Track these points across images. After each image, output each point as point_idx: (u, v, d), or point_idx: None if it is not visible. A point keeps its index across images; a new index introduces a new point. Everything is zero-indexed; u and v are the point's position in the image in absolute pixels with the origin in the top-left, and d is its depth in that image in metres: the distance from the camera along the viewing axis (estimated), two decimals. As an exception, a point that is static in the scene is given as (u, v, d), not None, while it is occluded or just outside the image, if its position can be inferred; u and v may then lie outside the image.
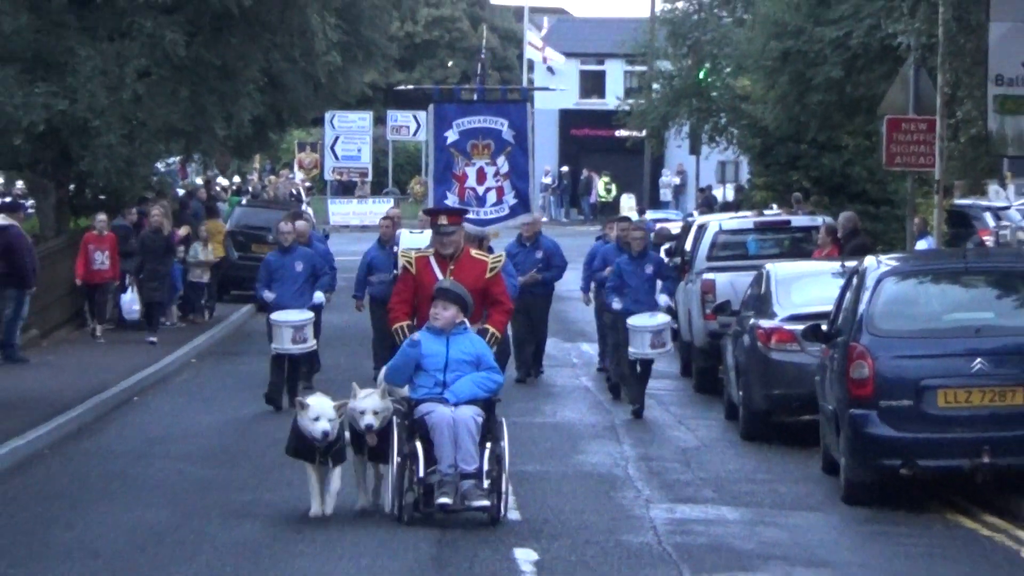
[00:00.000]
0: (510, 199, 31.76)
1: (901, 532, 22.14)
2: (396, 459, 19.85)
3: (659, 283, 31.48)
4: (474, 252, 22.10)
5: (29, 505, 23.00)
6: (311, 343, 31.23)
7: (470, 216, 29.52)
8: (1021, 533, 22.01)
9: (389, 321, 21.79)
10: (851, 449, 23.83)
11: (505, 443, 20.39)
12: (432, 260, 21.23)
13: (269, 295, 30.91)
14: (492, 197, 31.59)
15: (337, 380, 30.61)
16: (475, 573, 17.89)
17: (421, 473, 19.58)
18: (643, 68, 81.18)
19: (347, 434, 20.93)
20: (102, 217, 42.62)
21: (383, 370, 21.49)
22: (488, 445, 20.03)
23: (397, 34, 69.88)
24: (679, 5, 74.27)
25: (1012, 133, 31.30)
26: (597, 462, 26.95)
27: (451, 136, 32.03)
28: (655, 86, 75.48)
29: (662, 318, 30.89)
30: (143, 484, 24.73)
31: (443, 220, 21.49)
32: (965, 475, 23.52)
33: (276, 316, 30.65)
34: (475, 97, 37.40)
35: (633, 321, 30.31)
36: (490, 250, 26.05)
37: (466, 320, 20.46)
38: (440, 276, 20.84)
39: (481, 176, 31.80)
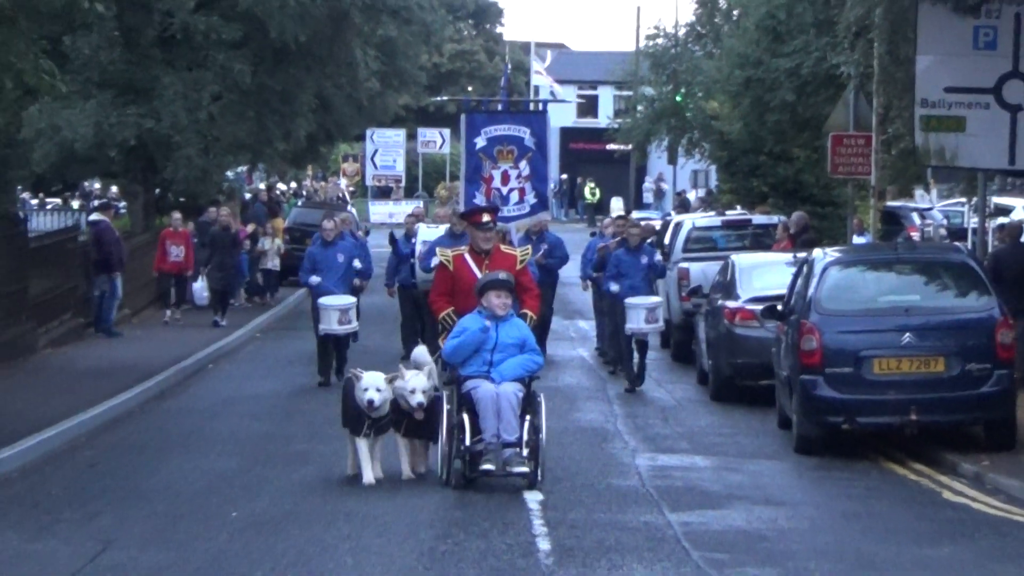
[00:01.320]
0: (531, 199, 31.55)
1: (843, 477, 22.16)
2: (444, 429, 19.28)
3: (653, 273, 31.07)
4: (503, 247, 21.48)
5: (122, 454, 23.03)
6: (355, 324, 30.57)
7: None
8: (942, 478, 22.05)
9: (434, 312, 20.99)
10: (801, 408, 23.88)
11: (543, 416, 19.60)
12: (467, 257, 20.40)
13: (315, 279, 30.35)
14: (515, 197, 31.30)
15: (370, 357, 30.36)
16: (491, 508, 17.92)
17: (467, 442, 18.92)
18: (629, 93, 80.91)
19: None
20: (177, 215, 42.52)
21: (421, 349, 20.81)
22: (527, 418, 19.25)
23: (426, 65, 69.76)
24: (659, 41, 74.29)
25: (934, 147, 31.27)
26: (591, 419, 26.95)
27: (480, 142, 31.79)
28: (639, 108, 75.41)
29: (655, 298, 30.53)
30: (215, 437, 24.75)
31: (486, 218, 20.75)
32: (896, 430, 23.62)
33: (323, 301, 29.97)
34: (500, 108, 37.20)
35: (630, 300, 29.82)
36: (512, 244, 25.62)
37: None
38: (476, 270, 20.02)
39: (505, 178, 31.56)
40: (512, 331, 19.44)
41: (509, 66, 60.01)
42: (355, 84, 55.42)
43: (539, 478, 19.09)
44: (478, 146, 31.97)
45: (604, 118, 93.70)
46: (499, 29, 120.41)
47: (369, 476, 19.45)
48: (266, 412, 26.99)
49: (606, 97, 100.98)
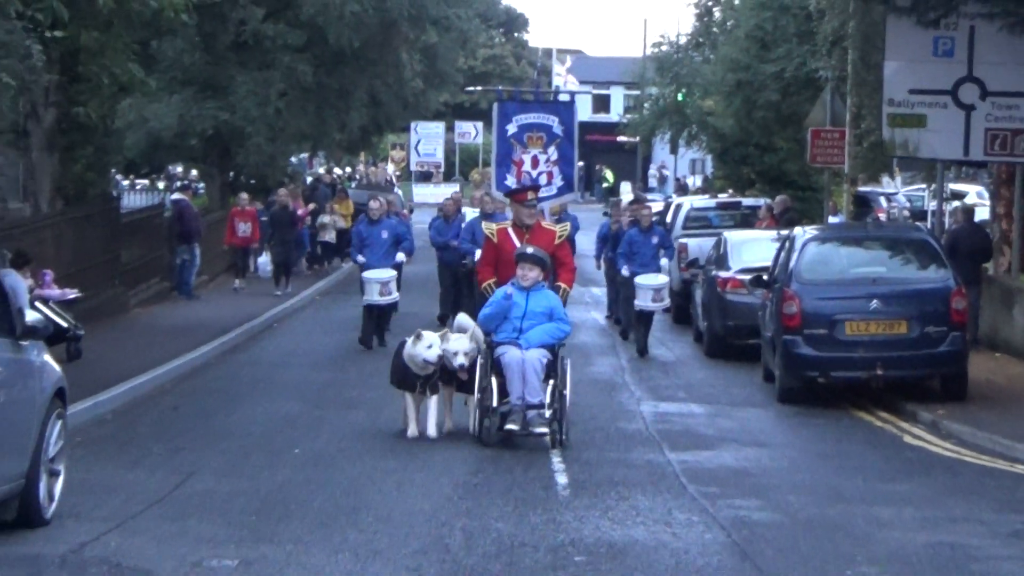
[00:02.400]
0: (558, 181, 31.20)
1: (818, 423, 22.15)
2: (477, 391, 18.39)
3: (662, 251, 30.27)
4: (544, 223, 20.47)
5: (200, 399, 23.07)
6: (395, 295, 29.68)
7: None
8: (903, 424, 22.04)
9: (478, 281, 20.28)
10: (783, 364, 23.88)
11: (568, 381, 18.55)
12: (511, 231, 19.38)
13: (361, 259, 29.62)
14: (544, 179, 30.88)
15: (412, 320, 29.62)
16: (517, 449, 17.91)
17: (495, 403, 18.02)
18: (637, 92, 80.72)
19: None
20: (244, 196, 42.43)
21: (463, 315, 20.21)
22: (551, 382, 18.12)
23: (462, 67, 69.69)
24: (664, 47, 74.21)
25: (899, 140, 31.22)
26: (603, 372, 26.96)
27: (511, 129, 31.42)
28: (646, 105, 75.34)
29: (663, 279, 29.66)
30: (280, 384, 24.78)
31: (530, 196, 19.87)
32: (864, 383, 23.60)
33: (367, 274, 29.19)
34: (532, 98, 36.81)
35: (640, 280, 28.98)
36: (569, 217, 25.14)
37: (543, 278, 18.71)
38: (518, 243, 18.99)
39: (535, 162, 31.20)
40: (541, 301, 18.49)
41: (538, 68, 60.14)
42: (401, 83, 55.29)
43: (562, 438, 18.22)
44: (509, 132, 31.63)
45: (615, 114, 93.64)
46: (525, 36, 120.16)
47: (413, 430, 18.71)
48: (323, 364, 27.01)
49: (617, 96, 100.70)
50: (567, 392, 18.42)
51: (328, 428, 20.00)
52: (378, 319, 29.23)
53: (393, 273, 29.56)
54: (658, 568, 12.40)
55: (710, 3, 69.65)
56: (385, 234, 29.66)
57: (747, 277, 27.92)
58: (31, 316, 13.97)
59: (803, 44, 50.23)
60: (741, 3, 60.80)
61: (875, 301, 23.54)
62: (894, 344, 23.35)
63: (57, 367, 14.18)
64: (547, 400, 17.97)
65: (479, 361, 18.53)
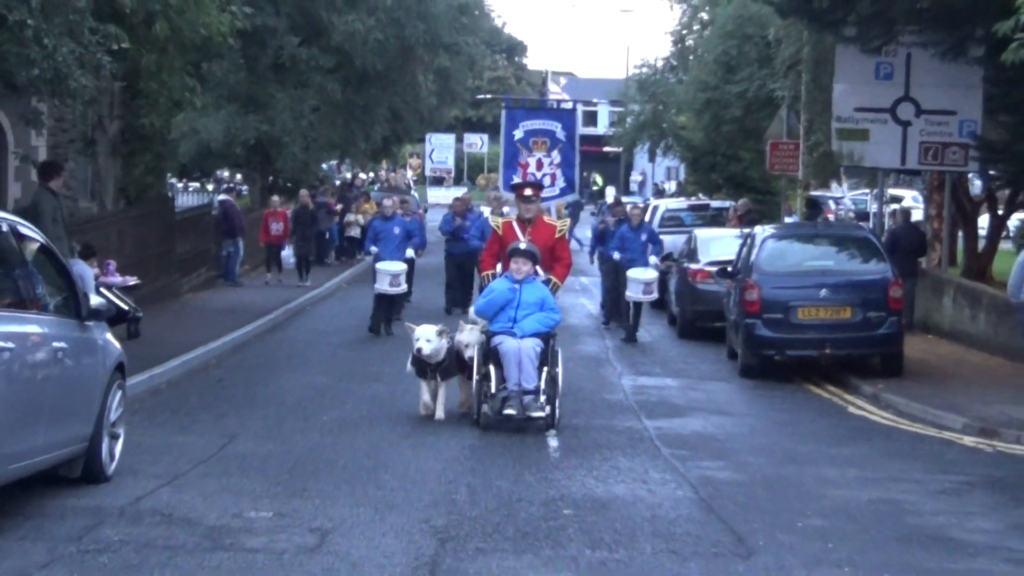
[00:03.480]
0: (560, 183, 30.84)
1: (775, 395, 22.14)
2: (476, 378, 17.42)
3: (650, 246, 29.66)
4: (546, 218, 19.24)
5: (242, 372, 23.04)
6: (403, 287, 29.07)
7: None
8: (848, 396, 22.05)
9: (480, 269, 19.29)
10: (744, 344, 23.90)
11: (560, 368, 17.55)
12: (515, 224, 18.42)
13: (374, 249, 28.93)
14: (547, 181, 30.55)
15: (423, 309, 30.10)
16: (510, 428, 17.80)
17: (493, 389, 16.99)
18: (621, 109, 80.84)
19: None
20: (275, 198, 42.48)
21: (472, 308, 19.07)
22: (545, 369, 17.11)
23: (470, 86, 69.73)
24: (644, 70, 74.33)
25: (846, 151, 31.28)
26: (590, 350, 26.93)
27: (518, 134, 31.05)
28: (628, 120, 75.51)
29: (652, 273, 28.89)
30: (312, 359, 24.75)
31: (528, 192, 18.76)
32: (814, 360, 23.64)
33: (379, 266, 28.37)
34: (537, 105, 36.60)
35: (631, 274, 28.39)
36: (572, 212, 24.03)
37: (537, 270, 17.66)
38: (521, 236, 18.02)
39: (539, 165, 30.82)
40: (534, 292, 17.42)
41: (545, 83, 60.21)
42: (417, 100, 55.43)
43: (555, 420, 17.16)
44: (516, 137, 31.30)
45: (602, 127, 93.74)
46: (525, 60, 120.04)
47: (422, 409, 17.94)
48: (349, 342, 26.98)
49: (604, 112, 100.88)
50: (559, 378, 17.54)
51: (352, 398, 19.96)
52: (388, 308, 28.59)
53: (403, 266, 28.84)
54: (636, 520, 12.36)
55: (684, 32, 69.98)
56: (397, 230, 29.05)
57: (714, 269, 28.03)
58: (95, 300, 13.93)
59: (763, 68, 50.47)
60: (710, 32, 61.12)
61: (824, 290, 23.61)
62: (840, 327, 23.41)
63: (118, 344, 14.15)
64: (542, 386, 17.07)
65: (476, 349, 17.60)
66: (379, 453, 15.50)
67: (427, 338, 17.72)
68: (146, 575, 9.90)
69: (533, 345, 17.06)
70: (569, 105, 36.28)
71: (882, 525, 12.45)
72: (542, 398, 16.95)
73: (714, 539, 11.71)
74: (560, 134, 31.41)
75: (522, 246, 17.57)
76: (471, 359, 17.56)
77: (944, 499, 13.80)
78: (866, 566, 10.80)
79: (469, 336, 17.76)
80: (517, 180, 30.20)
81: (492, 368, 17.14)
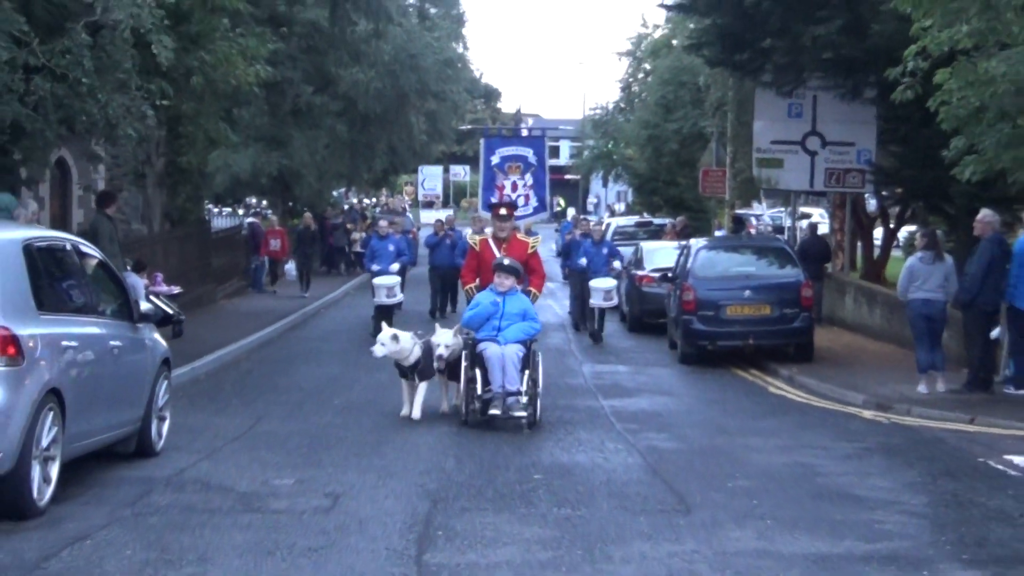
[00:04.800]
0: (533, 202, 30.48)
1: (708, 378, 22.13)
2: (463, 381, 16.03)
3: (612, 259, 28.34)
4: (519, 235, 17.93)
5: (266, 364, 22.98)
6: (399, 297, 27.50)
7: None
8: (768, 378, 22.05)
9: (462, 284, 17.66)
10: (683, 336, 23.89)
11: (540, 371, 16.09)
12: (491, 241, 17.11)
13: (376, 267, 27.38)
14: (521, 201, 30.18)
15: (409, 315, 29.75)
16: (494, 426, 17.71)
17: (479, 391, 15.66)
18: (579, 143, 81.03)
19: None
20: (274, 217, 42.47)
21: (464, 317, 17.01)
22: (527, 372, 15.77)
23: (454, 127, 69.77)
24: (598, 112, 74.60)
25: (764, 176, 31.37)
26: (555, 342, 26.87)
27: (495, 159, 30.68)
28: (585, 152, 75.75)
29: (612, 282, 27.47)
30: (326, 353, 24.70)
31: (504, 212, 17.38)
32: (740, 349, 23.63)
33: (376, 281, 26.79)
34: (511, 134, 35.80)
35: (593, 283, 27.10)
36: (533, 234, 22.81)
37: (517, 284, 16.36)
38: (497, 253, 16.71)
39: (514, 187, 30.42)
40: (516, 304, 16.09)
41: (519, 116, 60.20)
42: (411, 138, 55.41)
43: (536, 419, 15.81)
44: (493, 163, 30.93)
45: (564, 158, 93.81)
46: (499, 104, 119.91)
47: (407, 411, 16.41)
48: (357, 338, 26.87)
49: (565, 146, 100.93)
50: (540, 381, 16.08)
51: (359, 385, 19.93)
52: (386, 316, 27.61)
53: (397, 279, 27.40)
54: (594, 482, 12.35)
55: (630, 80, 70.40)
56: (391, 247, 27.95)
57: (657, 275, 27.98)
58: (145, 306, 13.90)
59: (695, 109, 50.65)
60: (651, 80, 61.36)
61: (748, 291, 23.61)
62: (761, 322, 23.41)
63: (164, 343, 14.13)
64: (523, 388, 15.77)
65: (463, 355, 16.14)
66: (381, 430, 15.47)
67: (382, 342, 16.43)
68: (189, 533, 9.86)
69: (516, 350, 15.80)
70: (539, 133, 35.26)
71: (797, 484, 12.45)
72: (524, 399, 15.74)
73: (659, 498, 11.69)
74: (532, 159, 31.09)
75: (506, 262, 16.28)
76: (440, 358, 16.30)
77: (848, 462, 13.81)
78: (784, 518, 10.80)
79: (441, 337, 16.47)
80: (495, 201, 29.91)
81: (478, 372, 15.83)
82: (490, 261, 16.63)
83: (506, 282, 16.12)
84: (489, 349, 15.79)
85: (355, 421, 16.26)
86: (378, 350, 16.48)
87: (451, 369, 16.58)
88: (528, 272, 16.91)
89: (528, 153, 31.25)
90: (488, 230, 19.24)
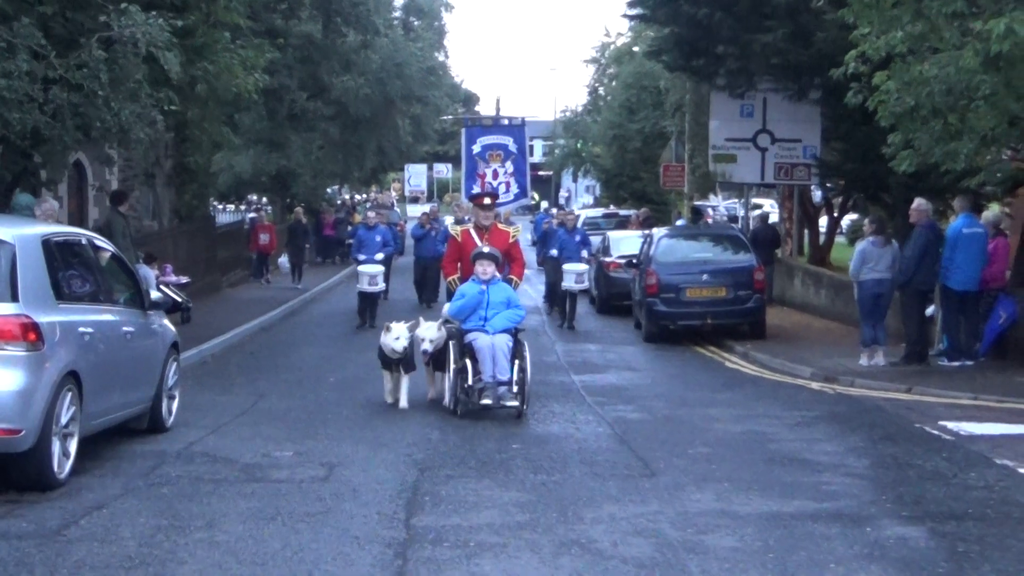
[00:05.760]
0: (514, 189, 29.61)
1: (670, 354, 22.14)
2: (452, 371, 14.92)
3: (583, 247, 27.81)
4: (500, 225, 16.68)
5: (267, 348, 22.92)
6: (382, 286, 26.60)
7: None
8: (725, 354, 22.07)
9: (444, 275, 16.47)
10: (647, 316, 23.91)
11: (528, 360, 14.98)
12: (472, 231, 16.04)
13: (362, 257, 26.52)
14: (503, 188, 29.32)
15: (400, 304, 29.56)
16: (484, 417, 17.64)
17: (470, 382, 14.59)
18: (551, 142, 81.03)
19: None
20: (263, 213, 42.47)
21: (447, 308, 15.86)
22: (516, 362, 14.76)
23: (437, 128, 69.68)
24: (568, 114, 74.60)
25: (720, 171, 31.35)
26: (531, 324, 26.57)
27: (476, 148, 29.75)
28: (556, 151, 75.75)
29: (583, 266, 27.06)
30: (321, 336, 24.64)
31: (487, 201, 16.52)
32: (699, 328, 23.64)
33: (361, 268, 26.08)
34: (491, 123, 34.75)
35: (566, 267, 26.70)
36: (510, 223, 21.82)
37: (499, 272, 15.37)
38: (479, 242, 15.73)
39: (495, 175, 29.54)
40: (500, 292, 15.10)
41: (497, 110, 60.33)
42: (397, 139, 55.34)
43: (525, 408, 14.66)
44: (474, 152, 30.06)
45: (538, 156, 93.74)
46: (477, 108, 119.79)
47: (388, 398, 15.47)
48: (350, 321, 26.80)
49: (538, 145, 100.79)
50: (527, 369, 14.95)
51: (353, 364, 19.86)
52: (371, 304, 26.42)
53: (381, 268, 26.54)
54: (567, 451, 12.34)
55: (597, 85, 70.33)
56: (378, 238, 27.12)
57: (623, 261, 28.00)
58: (156, 295, 13.87)
59: (656, 110, 50.69)
60: (616, 84, 61.37)
61: (705, 275, 23.62)
62: (718, 303, 23.45)
63: (173, 328, 14.07)
64: (514, 377, 14.71)
65: (452, 345, 15.08)
66: (372, 405, 15.42)
67: (397, 335, 15.21)
68: (197, 502, 9.81)
69: (505, 341, 14.77)
70: (519, 121, 33.56)
71: (751, 450, 12.46)
72: (514, 388, 14.67)
73: (626, 464, 11.69)
74: (512, 147, 30.33)
75: (485, 249, 15.35)
76: (425, 353, 15.23)
77: (798, 430, 13.82)
78: (740, 481, 10.80)
79: (426, 332, 15.32)
80: (477, 189, 29.35)
81: (468, 362, 14.73)
82: (472, 251, 15.66)
83: (488, 269, 15.15)
84: (479, 339, 14.77)
85: (349, 397, 16.21)
86: (398, 344, 15.13)
87: (435, 360, 15.52)
88: (509, 260, 15.97)
89: (508, 141, 30.47)
90: (468, 219, 18.89)
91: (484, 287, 15.10)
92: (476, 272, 15.20)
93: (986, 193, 22.25)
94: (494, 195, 18.23)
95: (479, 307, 15.00)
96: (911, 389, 16.89)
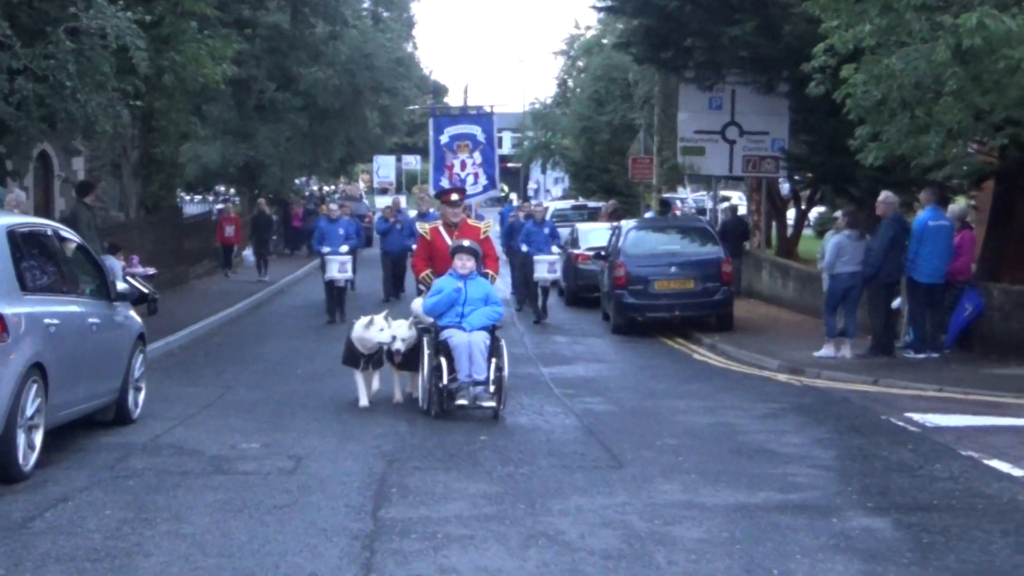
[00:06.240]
0: (483, 180, 28.78)
1: (638, 346, 22.20)
2: (426, 370, 14.13)
3: (552, 239, 27.07)
4: (470, 221, 15.92)
5: (236, 339, 22.86)
6: (350, 274, 26.09)
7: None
8: (692, 346, 22.15)
9: (415, 272, 15.35)
10: (615, 308, 23.95)
11: (505, 359, 14.24)
12: (441, 229, 15.15)
13: (326, 249, 25.49)
14: (471, 179, 28.48)
15: (366, 298, 29.17)
16: (458, 417, 17.62)
17: (445, 381, 13.77)
18: (520, 134, 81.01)
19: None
20: (229, 205, 42.02)
21: (418, 303, 15.09)
22: (493, 360, 13.94)
23: (406, 120, 69.45)
24: (537, 106, 74.58)
25: (688, 163, 31.47)
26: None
27: (444, 139, 28.87)
28: (525, 143, 75.71)
29: (555, 256, 26.68)
30: (291, 328, 24.58)
31: (455, 197, 15.49)
32: (667, 320, 23.71)
33: (328, 256, 25.38)
34: (458, 112, 34.07)
35: (537, 258, 26.26)
36: (479, 217, 20.53)
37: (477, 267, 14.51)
38: (448, 240, 14.87)
39: (463, 165, 28.79)
40: (478, 288, 14.28)
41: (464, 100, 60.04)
42: (366, 130, 55.15)
43: (501, 408, 13.95)
44: (442, 142, 29.19)
45: (507, 148, 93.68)
46: (446, 99, 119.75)
47: (364, 402, 14.63)
48: (317, 314, 26.71)
49: (507, 137, 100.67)
50: (505, 368, 14.18)
51: (321, 356, 19.81)
52: (338, 297, 25.73)
53: (348, 256, 25.75)
54: (535, 442, 12.34)
55: (566, 77, 70.47)
56: (341, 230, 26.13)
57: (591, 253, 28.01)
58: (122, 286, 13.78)
59: (625, 103, 50.75)
60: (585, 76, 61.45)
61: (674, 267, 23.69)
62: (686, 295, 23.50)
63: (140, 319, 14.02)
64: (491, 376, 13.90)
65: (426, 342, 14.32)
66: (340, 397, 15.38)
67: (381, 327, 14.57)
68: (164, 494, 9.77)
69: (483, 338, 13.98)
70: (488, 110, 32.27)
71: (719, 442, 12.49)
72: (491, 388, 13.87)
73: (594, 456, 11.70)
74: (480, 136, 29.54)
75: (465, 243, 14.44)
76: (398, 352, 14.50)
77: (764, 421, 13.87)
78: (707, 473, 10.83)
79: (398, 329, 14.58)
80: (445, 181, 28.78)
81: (443, 361, 13.90)
82: (443, 250, 14.76)
83: (468, 264, 14.26)
84: (455, 337, 13.92)
85: (316, 390, 16.18)
86: (383, 336, 14.50)
87: (404, 359, 14.71)
88: (483, 256, 14.95)
89: (476, 131, 29.63)
90: (433, 212, 18.59)
91: (461, 283, 14.30)
92: (454, 266, 14.37)
93: (952, 186, 22.39)
94: (461, 190, 17.34)
95: (456, 303, 14.19)
96: (877, 381, 16.98)
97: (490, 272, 14.96)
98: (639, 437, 12.72)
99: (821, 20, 17.79)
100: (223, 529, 8.64)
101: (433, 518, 9.04)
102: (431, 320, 14.27)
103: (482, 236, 15.25)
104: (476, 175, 29.41)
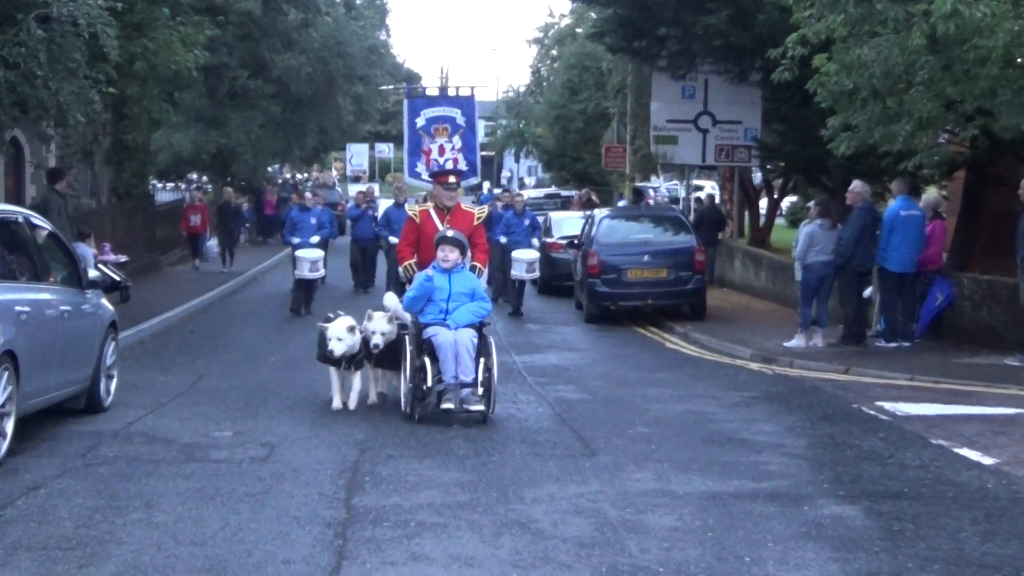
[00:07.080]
0: (463, 166, 27.89)
1: (611, 335, 22.22)
2: (407, 370, 12.84)
3: (532, 230, 26.40)
4: (464, 206, 14.25)
5: (208, 326, 22.80)
6: (321, 272, 24.70)
7: (426, 178, 23.69)
8: (665, 335, 22.19)
9: (399, 260, 14.06)
10: (588, 297, 23.98)
11: (494, 358, 12.89)
12: (432, 212, 13.72)
13: (296, 240, 24.66)
14: (449, 165, 27.17)
15: (332, 290, 28.67)
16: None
17: (429, 383, 12.57)
18: (493, 123, 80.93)
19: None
20: (196, 193, 41.58)
21: (391, 298, 14.39)
22: (481, 360, 12.70)
23: (380, 108, 69.25)
24: (510, 94, 74.52)
25: (661, 152, 31.48)
26: (472, 304, 26.78)
27: (420, 122, 27.56)
28: (499, 131, 75.67)
29: (534, 254, 25.43)
30: (262, 317, 24.53)
31: (452, 179, 13.95)
32: (640, 309, 23.74)
33: (299, 253, 24.29)
34: (437, 93, 32.16)
35: (515, 254, 25.22)
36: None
37: (463, 260, 13.17)
38: (440, 225, 13.48)
39: (441, 150, 27.76)
40: (464, 282, 12.93)
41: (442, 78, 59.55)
42: (339, 118, 54.98)
43: (491, 411, 12.82)
44: (418, 125, 28.06)
45: (481, 137, 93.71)
46: (420, 84, 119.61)
47: (338, 403, 13.48)
48: (289, 302, 26.65)
49: (480, 125, 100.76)
50: (494, 368, 12.92)
51: (294, 344, 19.78)
52: (307, 290, 24.90)
53: (321, 253, 24.51)
54: (509, 431, 12.34)
55: (539, 65, 70.36)
56: (313, 220, 25.28)
57: (564, 242, 28.03)
58: (93, 274, 13.74)
59: (599, 91, 50.82)
60: (559, 65, 61.44)
61: (646, 256, 23.72)
62: (659, 284, 23.55)
63: (111, 307, 13.95)
64: (479, 378, 12.70)
65: (407, 340, 13.09)
66: (313, 385, 15.35)
67: (338, 337, 13.36)
68: (135, 482, 9.74)
69: (470, 336, 12.71)
70: (468, 92, 30.39)
71: (691, 430, 12.51)
72: (480, 390, 12.66)
73: (567, 444, 11.71)
74: (460, 119, 28.36)
75: (449, 234, 13.16)
76: (375, 347, 13.39)
77: (737, 410, 13.91)
78: (679, 461, 10.85)
79: (377, 324, 13.46)
80: (421, 167, 27.90)
81: (427, 361, 12.71)
82: (432, 234, 13.45)
83: (451, 256, 12.99)
84: (440, 335, 12.67)
85: (289, 377, 16.15)
86: (338, 347, 13.33)
87: (380, 357, 13.68)
88: (471, 246, 13.62)
89: (456, 114, 28.38)
90: (411, 200, 18.16)
91: (445, 276, 13.02)
92: (437, 258, 13.07)
93: (924, 176, 22.48)
94: (458, 172, 16.21)
95: (439, 298, 12.91)
96: (849, 370, 17.04)
97: (477, 266, 13.68)
98: (612, 425, 12.73)
99: (790, 11, 17.84)
100: (195, 517, 8.62)
101: (406, 506, 9.03)
102: (410, 317, 13.21)
103: (475, 223, 13.94)
104: (455, 161, 28.47)
